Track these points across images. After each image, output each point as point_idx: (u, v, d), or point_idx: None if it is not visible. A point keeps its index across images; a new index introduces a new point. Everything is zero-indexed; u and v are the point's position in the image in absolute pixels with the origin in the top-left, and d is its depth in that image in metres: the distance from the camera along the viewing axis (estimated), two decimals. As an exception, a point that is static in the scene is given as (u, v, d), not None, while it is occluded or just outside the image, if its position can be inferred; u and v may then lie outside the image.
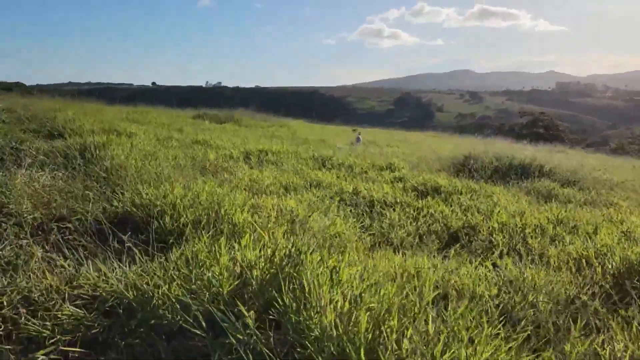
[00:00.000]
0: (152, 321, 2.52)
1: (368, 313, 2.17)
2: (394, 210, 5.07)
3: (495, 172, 8.36)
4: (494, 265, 3.45)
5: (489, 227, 4.39)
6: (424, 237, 4.27)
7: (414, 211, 5.03)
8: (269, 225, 3.59)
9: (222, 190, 4.63)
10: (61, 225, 3.84)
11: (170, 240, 3.49)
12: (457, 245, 4.05)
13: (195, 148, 9.01)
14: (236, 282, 2.62)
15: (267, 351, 2.10)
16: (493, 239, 4.13)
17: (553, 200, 6.45)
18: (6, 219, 3.84)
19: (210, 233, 3.41)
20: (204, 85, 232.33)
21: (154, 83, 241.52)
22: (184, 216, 3.73)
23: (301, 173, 7.06)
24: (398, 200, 5.42)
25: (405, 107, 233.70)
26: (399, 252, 3.73)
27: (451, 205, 5.31)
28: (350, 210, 4.98)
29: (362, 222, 4.62)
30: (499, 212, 4.91)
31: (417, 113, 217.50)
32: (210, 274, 2.62)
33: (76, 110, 12.64)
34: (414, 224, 4.56)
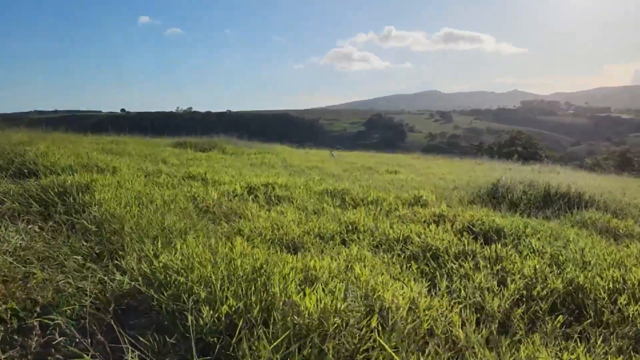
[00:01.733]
0: None
1: None
2: (461, 263, 4.07)
3: (530, 202, 7.48)
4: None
5: (606, 289, 3.43)
6: (525, 304, 3.27)
7: (490, 264, 4.04)
8: (351, 322, 2.54)
9: (260, 253, 3.55)
10: (46, 321, 2.69)
11: (216, 346, 2.40)
12: (586, 322, 3.06)
13: (190, 184, 7.89)
14: None
15: None
16: (625, 310, 3.16)
17: (621, 238, 5.59)
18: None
19: (271, 333, 2.35)
20: (174, 111, 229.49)
21: (123, 110, 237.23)
22: (227, 302, 2.64)
23: (326, 213, 6.02)
24: (461, 250, 4.42)
25: (377, 128, 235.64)
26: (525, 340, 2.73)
27: (527, 255, 4.34)
28: (417, 268, 3.95)
29: (435, 285, 3.61)
30: (596, 263, 3.98)
31: (388, 134, 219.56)
32: None
33: (48, 144, 11.34)
34: (505, 286, 3.55)
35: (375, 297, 2.87)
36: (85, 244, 4.18)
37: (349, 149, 48.10)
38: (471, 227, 5.33)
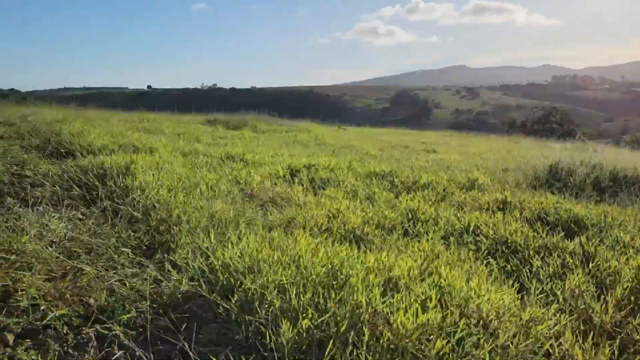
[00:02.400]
0: None
1: None
2: (546, 260, 3.64)
3: (592, 186, 6.93)
4: None
5: None
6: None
7: (581, 263, 3.59)
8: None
9: (329, 249, 3.18)
10: (103, 331, 2.38)
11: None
12: None
13: (230, 165, 7.56)
14: None
15: None
16: None
17: None
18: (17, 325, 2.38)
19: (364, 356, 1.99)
20: (199, 87, 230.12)
21: (149, 86, 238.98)
22: (307, 314, 2.29)
23: (379, 199, 5.62)
24: (542, 244, 3.98)
25: (402, 105, 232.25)
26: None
27: (621, 250, 3.88)
28: (499, 267, 3.54)
29: (524, 287, 3.19)
30: None
31: (414, 110, 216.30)
32: None
33: (83, 122, 11.17)
34: (607, 291, 3.12)
35: (472, 307, 2.48)
36: (133, 234, 3.88)
37: (375, 125, 47.26)
38: (544, 216, 4.87)
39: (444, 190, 6.23)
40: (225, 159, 8.21)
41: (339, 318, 2.27)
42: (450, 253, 3.59)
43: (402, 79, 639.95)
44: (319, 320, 2.23)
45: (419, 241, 3.92)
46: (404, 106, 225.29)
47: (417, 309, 2.32)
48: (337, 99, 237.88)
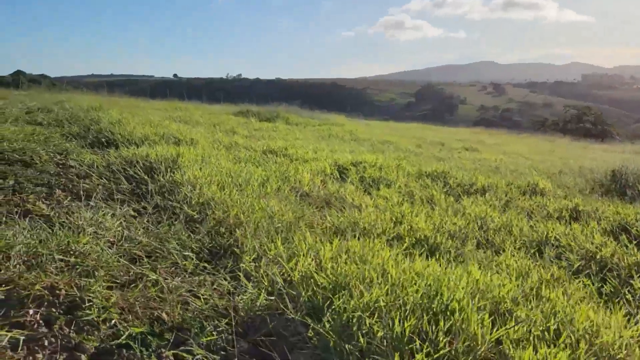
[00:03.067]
0: None
1: None
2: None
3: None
4: None
5: None
6: None
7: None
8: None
9: (417, 263, 2.87)
10: (184, 354, 2.12)
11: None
12: None
13: (275, 160, 7.30)
14: None
15: None
16: None
17: None
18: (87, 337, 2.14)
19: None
20: (224, 77, 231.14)
21: (175, 75, 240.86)
22: (414, 345, 1.99)
23: (439, 203, 5.29)
24: (635, 261, 3.61)
25: (427, 99, 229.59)
26: None
27: None
28: (596, 288, 3.19)
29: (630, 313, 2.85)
30: None
31: (438, 105, 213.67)
32: None
33: (120, 110, 11.03)
34: None
35: (600, 342, 2.15)
36: (192, 235, 3.63)
37: (398, 120, 46.56)
38: (626, 227, 4.48)
39: (505, 194, 5.86)
40: (268, 152, 7.95)
41: (453, 353, 1.97)
42: (542, 270, 3.25)
43: (427, 73, 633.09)
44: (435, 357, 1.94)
45: (496, 253, 3.59)
46: (429, 101, 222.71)
47: (539, 344, 2.01)
48: (360, 92, 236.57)
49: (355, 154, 8.35)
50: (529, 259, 3.59)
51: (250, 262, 3.11)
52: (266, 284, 2.77)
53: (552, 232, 4.24)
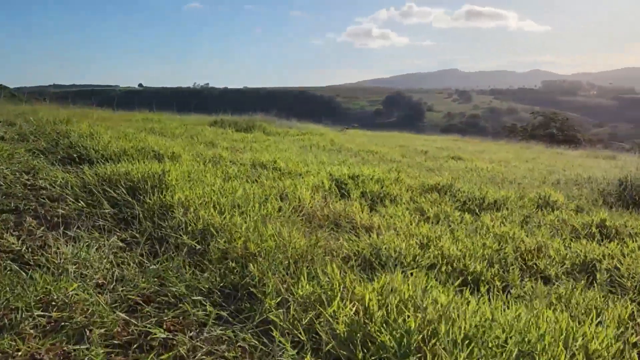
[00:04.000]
0: None
1: None
2: None
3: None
4: None
5: None
6: None
7: None
8: None
9: (483, 306, 2.39)
10: None
11: None
12: None
13: (265, 175, 6.75)
14: None
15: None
16: None
17: None
18: None
19: None
20: (191, 87, 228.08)
21: (140, 84, 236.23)
22: None
23: (455, 221, 4.84)
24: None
25: (395, 107, 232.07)
26: None
27: None
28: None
29: None
30: None
31: (407, 112, 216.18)
32: None
33: (90, 122, 10.27)
34: None
35: None
36: (197, 272, 3.05)
37: (368, 127, 46.43)
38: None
39: (520, 209, 5.47)
40: (257, 166, 7.39)
41: None
42: (615, 305, 2.81)
43: (395, 81, 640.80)
44: None
45: (544, 281, 3.14)
46: (397, 108, 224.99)
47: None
48: (330, 100, 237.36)
49: (348, 166, 7.87)
50: (593, 290, 3.14)
51: (274, 306, 2.57)
52: (304, 339, 2.24)
53: (590, 253, 3.83)
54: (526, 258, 3.73)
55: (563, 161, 14.48)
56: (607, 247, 4.04)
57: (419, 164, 11.28)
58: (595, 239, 4.39)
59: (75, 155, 6.99)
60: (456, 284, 2.86)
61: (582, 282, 3.32)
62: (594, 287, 3.22)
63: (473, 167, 10.29)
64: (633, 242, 4.22)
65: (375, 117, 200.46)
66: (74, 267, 2.93)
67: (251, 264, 3.10)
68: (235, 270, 3.07)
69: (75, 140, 7.82)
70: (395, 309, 2.30)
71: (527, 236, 4.25)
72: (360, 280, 2.86)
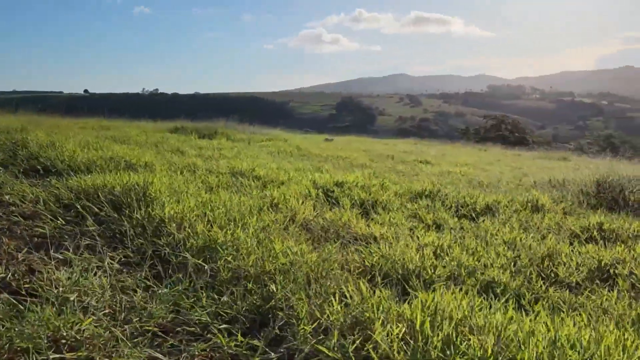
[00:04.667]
0: None
1: None
2: None
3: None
4: None
5: None
6: None
7: None
8: None
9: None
10: None
11: None
12: None
13: (244, 183, 6.48)
14: None
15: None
16: None
17: None
18: None
19: None
20: (140, 92, 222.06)
21: (86, 90, 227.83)
22: None
23: (458, 228, 4.75)
24: None
25: (348, 111, 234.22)
26: None
27: None
28: None
29: None
30: None
31: (360, 117, 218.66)
32: None
33: (48, 130, 9.65)
34: None
35: None
36: (217, 297, 2.77)
37: (321, 131, 46.54)
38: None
39: (514, 213, 5.45)
40: (236, 175, 7.10)
41: None
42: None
43: (346, 86, 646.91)
44: None
45: (569, 290, 3.07)
46: (350, 112, 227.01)
47: None
48: (283, 105, 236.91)
49: (330, 174, 7.70)
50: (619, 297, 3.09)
51: (310, 332, 2.35)
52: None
53: (602, 258, 3.81)
54: (541, 265, 3.66)
55: (525, 163, 14.84)
56: (615, 252, 4.04)
57: (390, 168, 11.26)
58: (599, 243, 4.39)
59: (38, 166, 6.49)
60: (502, 301, 2.72)
61: (601, 286, 3.28)
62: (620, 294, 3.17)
63: (445, 171, 10.34)
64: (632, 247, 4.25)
65: (328, 121, 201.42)
66: (74, 295, 2.60)
67: (271, 284, 2.86)
68: (254, 292, 2.82)
69: (36, 150, 7.29)
70: (453, 332, 2.12)
71: (535, 242, 4.19)
72: (394, 298, 2.68)
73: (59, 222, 4.12)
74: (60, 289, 2.68)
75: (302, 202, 5.40)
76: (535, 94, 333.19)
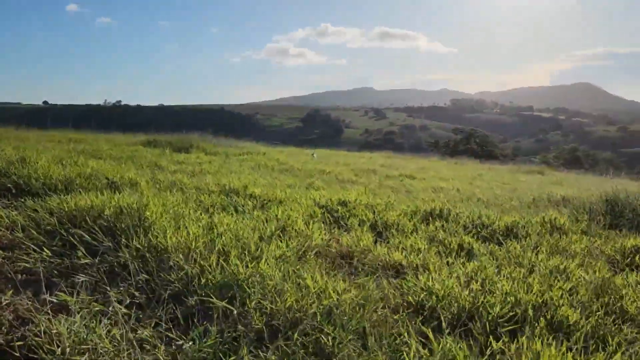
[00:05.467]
0: None
1: None
2: None
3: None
4: None
5: None
6: None
7: None
8: None
9: None
10: None
11: None
12: None
13: (241, 202, 5.96)
14: None
15: None
16: None
17: None
18: None
19: None
20: (102, 104, 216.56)
21: (45, 102, 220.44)
22: None
23: (487, 255, 4.37)
24: None
25: (314, 124, 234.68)
26: None
27: None
28: None
29: None
30: None
31: (326, 130, 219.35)
32: None
33: (14, 144, 8.88)
34: None
35: None
36: (262, 355, 2.28)
37: (289, 144, 46.17)
38: None
39: (537, 235, 5.12)
40: (229, 193, 6.57)
41: None
42: None
43: (312, 99, 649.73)
44: None
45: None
46: (316, 125, 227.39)
47: None
48: (250, 118, 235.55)
49: (323, 190, 7.26)
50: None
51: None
52: None
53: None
54: (603, 299, 3.29)
55: (506, 177, 14.76)
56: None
57: (379, 184, 10.91)
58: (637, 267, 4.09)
59: (9, 185, 5.81)
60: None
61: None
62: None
63: (437, 187, 10.04)
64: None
65: (295, 134, 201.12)
66: (84, 358, 2.07)
67: (318, 334, 2.39)
68: (305, 345, 2.34)
69: (5, 167, 6.58)
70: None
71: (582, 271, 3.84)
72: (471, 351, 2.25)
73: (44, 253, 3.53)
74: (64, 345, 2.14)
75: (310, 225, 4.93)
76: (497, 108, 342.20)
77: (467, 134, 48.09)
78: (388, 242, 4.71)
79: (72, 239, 3.69)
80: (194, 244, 3.70)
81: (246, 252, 3.65)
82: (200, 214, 4.98)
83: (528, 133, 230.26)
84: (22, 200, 5.14)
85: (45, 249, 3.58)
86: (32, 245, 3.65)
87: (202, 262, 3.34)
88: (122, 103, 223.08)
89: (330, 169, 13.63)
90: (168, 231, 3.85)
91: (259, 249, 3.74)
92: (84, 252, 3.52)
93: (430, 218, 5.76)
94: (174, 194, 6.02)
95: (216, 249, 3.65)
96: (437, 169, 17.92)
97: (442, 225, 5.31)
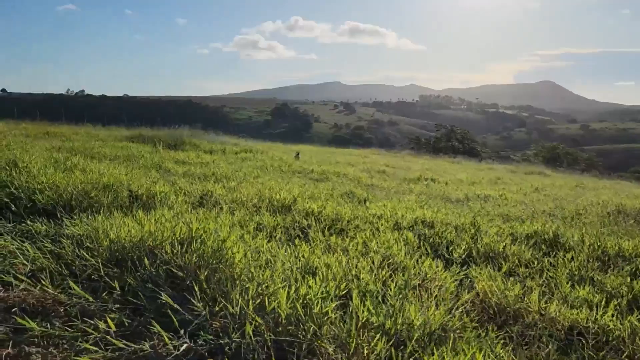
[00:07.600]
0: None
1: None
2: None
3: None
4: None
5: None
6: None
7: None
8: None
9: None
10: None
11: None
12: None
13: (300, 222, 4.81)
14: None
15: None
16: None
17: None
18: None
19: None
20: (65, 93, 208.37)
21: (4, 90, 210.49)
22: None
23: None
24: None
25: (283, 118, 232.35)
26: None
27: None
28: None
29: None
30: None
31: (295, 123, 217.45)
32: None
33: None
34: None
35: None
36: None
37: (256, 138, 44.80)
38: None
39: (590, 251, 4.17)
40: (280, 211, 5.38)
41: None
42: None
43: (280, 92, 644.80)
44: None
45: None
46: (285, 119, 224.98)
47: None
48: (217, 110, 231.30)
49: (381, 203, 6.16)
50: None
51: None
52: None
53: None
54: None
55: (529, 182, 13.98)
56: None
57: (409, 189, 9.88)
58: None
59: (6, 199, 4.48)
60: None
61: None
62: None
63: (481, 195, 9.06)
64: None
65: (263, 127, 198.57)
66: None
67: None
68: None
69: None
70: None
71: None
72: None
73: (99, 330, 2.32)
74: None
75: (415, 258, 3.82)
76: (463, 105, 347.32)
77: (449, 130, 47.68)
78: (529, 288, 3.60)
79: (132, 298, 2.48)
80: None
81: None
82: (286, 249, 3.71)
83: (493, 130, 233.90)
84: (26, 222, 3.87)
85: (97, 321, 2.36)
86: (53, 290, 2.43)
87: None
88: (85, 93, 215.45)
89: (339, 169, 12.53)
90: (253, 285, 2.66)
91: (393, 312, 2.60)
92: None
93: (543, 246, 4.69)
94: (217, 211, 4.80)
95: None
96: (445, 169, 17.05)
97: (572, 258, 4.25)
